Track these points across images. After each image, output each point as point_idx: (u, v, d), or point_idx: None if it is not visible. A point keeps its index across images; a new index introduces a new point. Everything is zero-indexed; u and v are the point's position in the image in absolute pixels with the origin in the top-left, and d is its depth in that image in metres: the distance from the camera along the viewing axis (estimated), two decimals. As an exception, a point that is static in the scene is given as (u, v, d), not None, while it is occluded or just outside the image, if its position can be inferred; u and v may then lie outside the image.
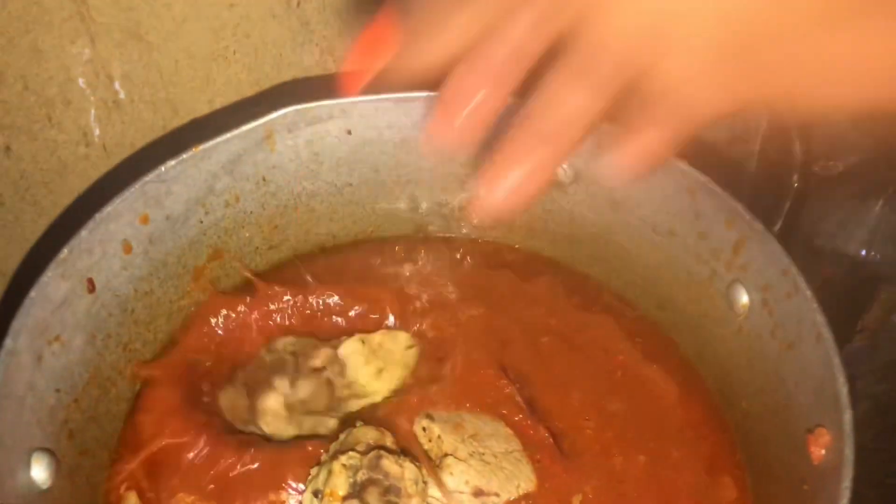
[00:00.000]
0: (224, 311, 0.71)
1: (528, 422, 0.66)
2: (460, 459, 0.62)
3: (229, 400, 0.67)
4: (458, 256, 0.79)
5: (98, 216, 0.62)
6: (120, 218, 0.64)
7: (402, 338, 0.71)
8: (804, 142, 0.67)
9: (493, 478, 0.61)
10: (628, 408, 0.67)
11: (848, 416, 0.53)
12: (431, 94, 0.72)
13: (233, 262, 0.74)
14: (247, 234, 0.74)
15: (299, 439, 0.65)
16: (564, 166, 0.73)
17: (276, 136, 0.70)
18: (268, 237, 0.76)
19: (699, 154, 0.67)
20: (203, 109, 0.84)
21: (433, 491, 0.60)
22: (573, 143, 0.42)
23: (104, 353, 0.64)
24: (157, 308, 0.69)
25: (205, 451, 0.62)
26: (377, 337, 0.70)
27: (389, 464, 0.58)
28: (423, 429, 0.64)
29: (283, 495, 0.61)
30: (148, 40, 0.77)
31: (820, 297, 0.58)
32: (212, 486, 0.61)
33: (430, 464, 0.62)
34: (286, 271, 0.76)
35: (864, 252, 0.89)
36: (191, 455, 0.62)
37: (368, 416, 0.66)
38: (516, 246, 0.80)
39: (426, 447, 0.64)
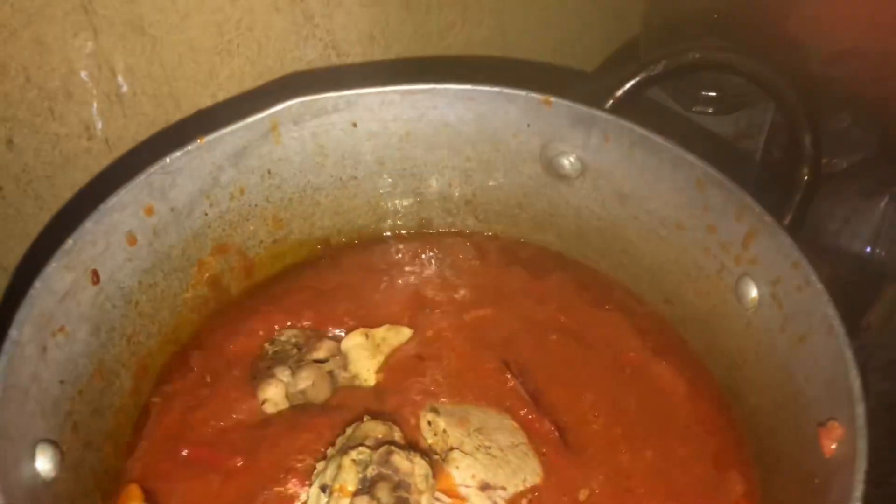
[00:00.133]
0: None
1: (534, 415, 0.65)
2: (466, 453, 0.61)
3: None
4: (467, 252, 0.78)
5: (103, 207, 0.62)
6: (125, 209, 0.63)
7: (406, 333, 0.71)
8: (814, 133, 0.66)
9: (500, 471, 0.61)
10: (636, 404, 0.67)
11: (861, 409, 0.52)
12: (437, 86, 0.72)
13: (236, 255, 0.74)
14: (251, 227, 0.74)
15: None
16: (571, 159, 0.72)
17: (282, 128, 0.70)
18: (272, 230, 0.75)
19: (707, 148, 0.67)
20: (206, 103, 0.84)
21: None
22: None
23: (108, 345, 0.64)
24: (161, 301, 0.69)
25: None
26: (381, 331, 0.70)
27: (400, 459, 0.57)
28: (429, 422, 0.64)
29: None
30: (151, 34, 0.77)
31: (825, 295, 0.58)
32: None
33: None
34: (290, 278, 0.76)
35: (868, 250, 0.89)
36: None
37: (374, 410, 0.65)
38: (522, 240, 0.80)
39: (431, 441, 0.63)
